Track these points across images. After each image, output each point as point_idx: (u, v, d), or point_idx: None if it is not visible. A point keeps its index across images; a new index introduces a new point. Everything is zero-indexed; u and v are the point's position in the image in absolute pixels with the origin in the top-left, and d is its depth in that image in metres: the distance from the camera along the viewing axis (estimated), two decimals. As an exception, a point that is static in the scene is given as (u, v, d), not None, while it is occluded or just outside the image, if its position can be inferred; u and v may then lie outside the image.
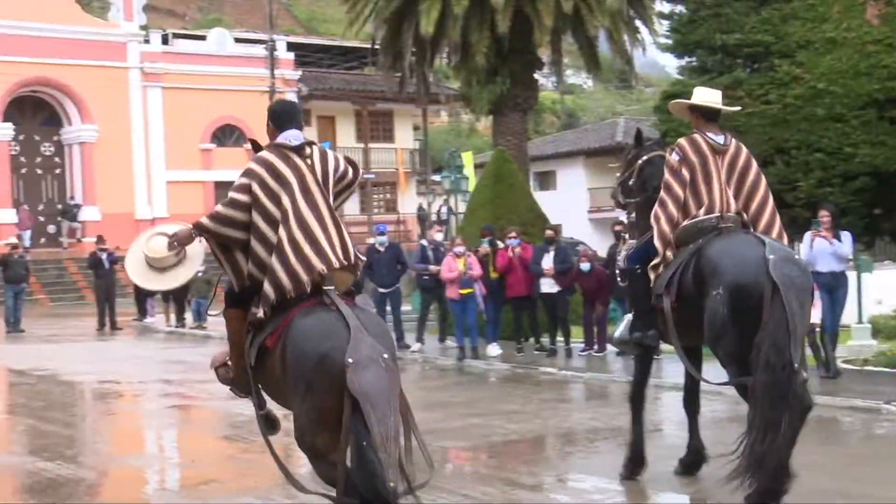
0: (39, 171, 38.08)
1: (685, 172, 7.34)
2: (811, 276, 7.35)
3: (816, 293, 13.08)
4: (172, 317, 23.87)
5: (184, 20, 62.98)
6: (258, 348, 5.53)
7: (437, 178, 40.61)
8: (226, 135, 39.94)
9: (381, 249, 18.06)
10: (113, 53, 37.65)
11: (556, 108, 65.75)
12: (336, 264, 5.45)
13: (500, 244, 17.27)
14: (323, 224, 5.53)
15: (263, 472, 9.01)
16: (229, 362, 6.05)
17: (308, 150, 5.74)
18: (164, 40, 39.78)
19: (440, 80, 38.46)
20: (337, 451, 5.18)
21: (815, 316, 13.11)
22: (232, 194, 5.67)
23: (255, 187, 5.56)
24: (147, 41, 39.02)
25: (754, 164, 7.49)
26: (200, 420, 12.40)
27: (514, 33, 24.15)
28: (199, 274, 23.13)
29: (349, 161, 6.04)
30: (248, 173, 5.66)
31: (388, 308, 18.14)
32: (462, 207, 26.81)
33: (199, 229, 5.77)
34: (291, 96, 39.81)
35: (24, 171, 37.44)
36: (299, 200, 5.49)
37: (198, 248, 6.19)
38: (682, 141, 7.48)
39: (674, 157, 7.44)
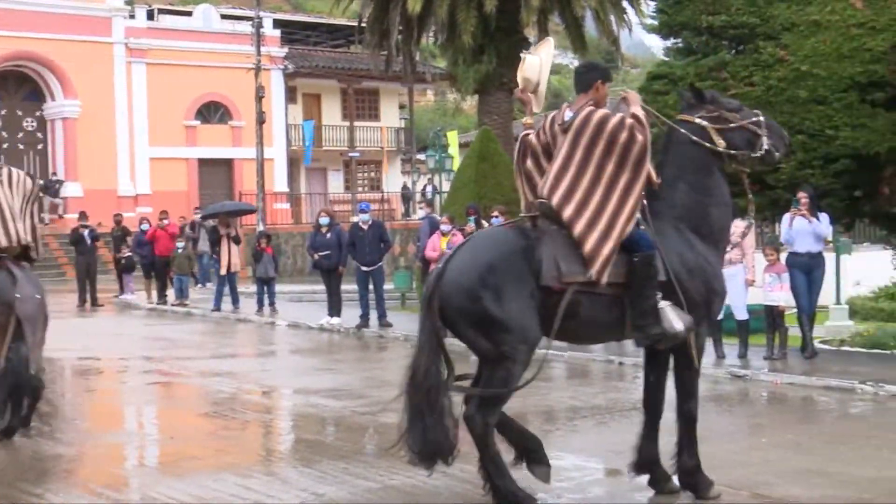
0: (21, 147, 37.84)
1: (530, 159, 6.95)
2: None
3: (786, 275, 13.29)
4: (154, 293, 23.82)
5: (169, -5, 62.52)
6: None
7: (421, 156, 40.64)
8: (210, 112, 39.79)
9: (365, 228, 18.10)
10: (97, 28, 37.40)
11: (550, 88, 65.70)
12: (5, 243, 8.71)
13: (486, 223, 17.32)
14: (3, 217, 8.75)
15: (243, 448, 9.07)
16: None
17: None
18: (150, 16, 39.54)
19: (426, 58, 38.36)
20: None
21: (782, 299, 13.28)
22: None
23: None
24: (132, 16, 38.77)
25: (602, 142, 6.51)
26: (180, 397, 12.41)
27: (501, 13, 24.12)
28: (179, 250, 23.19)
29: (30, 176, 9.35)
30: None
31: (371, 286, 18.20)
32: (446, 186, 26.80)
33: None
34: (277, 73, 39.70)
35: (5, 146, 37.18)
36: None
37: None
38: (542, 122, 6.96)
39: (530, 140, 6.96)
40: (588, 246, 6.44)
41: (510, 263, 6.47)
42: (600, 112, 6.62)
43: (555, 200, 6.56)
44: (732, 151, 6.91)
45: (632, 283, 6.53)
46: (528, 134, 7.00)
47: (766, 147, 6.85)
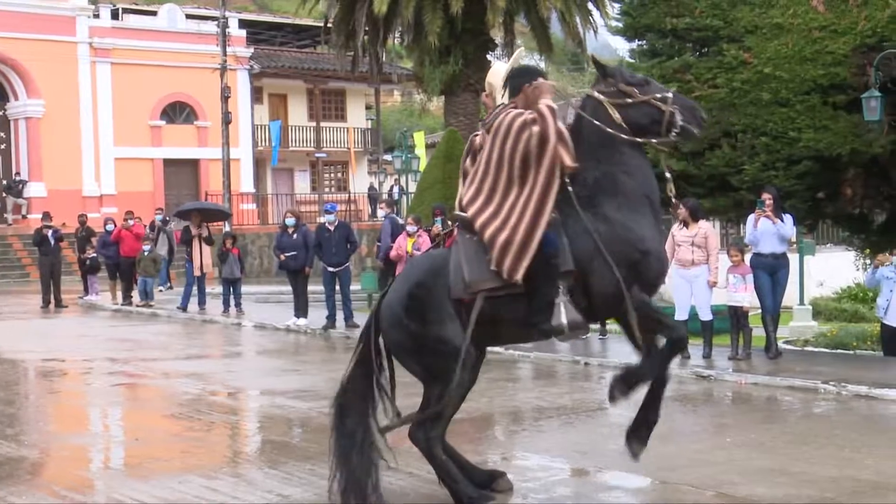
0: (-16, 147, 37.53)
1: (469, 159, 6.97)
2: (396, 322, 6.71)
3: (750, 276, 13.43)
4: (119, 294, 23.67)
5: (134, -5, 62.11)
6: None
7: (388, 157, 40.62)
8: (176, 112, 39.57)
9: (331, 229, 18.08)
10: (61, 27, 37.08)
11: (508, 89, 65.67)
12: None
13: (450, 224, 17.38)
14: None
15: (209, 450, 9.03)
16: None
17: None
18: (114, 15, 39.25)
19: (393, 59, 38.32)
20: None
21: (745, 299, 13.41)
22: None
23: None
24: (96, 16, 38.45)
25: (510, 141, 6.51)
26: (146, 398, 12.35)
27: (467, 14, 24.19)
28: (146, 253, 23.07)
29: None
30: None
31: (338, 287, 18.19)
32: (413, 187, 26.82)
33: None
34: (243, 74, 39.56)
35: (-32, 146, 36.87)
36: None
37: None
38: None
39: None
40: (495, 250, 6.45)
41: (430, 287, 6.63)
42: (512, 112, 6.61)
43: (471, 210, 6.61)
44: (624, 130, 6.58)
45: (531, 281, 6.49)
46: (476, 135, 7.02)
47: (680, 124, 6.51)
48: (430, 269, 6.77)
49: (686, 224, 13.44)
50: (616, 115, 6.57)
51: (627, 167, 6.61)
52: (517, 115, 6.56)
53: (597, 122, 6.60)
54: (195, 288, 21.96)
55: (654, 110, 6.54)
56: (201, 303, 21.93)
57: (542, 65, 63.10)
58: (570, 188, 6.55)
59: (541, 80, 6.83)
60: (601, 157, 6.61)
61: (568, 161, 6.52)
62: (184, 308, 21.67)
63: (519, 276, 6.40)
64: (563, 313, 6.42)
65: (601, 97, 6.65)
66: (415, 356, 6.73)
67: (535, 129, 6.46)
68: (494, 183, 6.59)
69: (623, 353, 14.09)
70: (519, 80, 6.85)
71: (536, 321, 6.53)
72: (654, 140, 6.64)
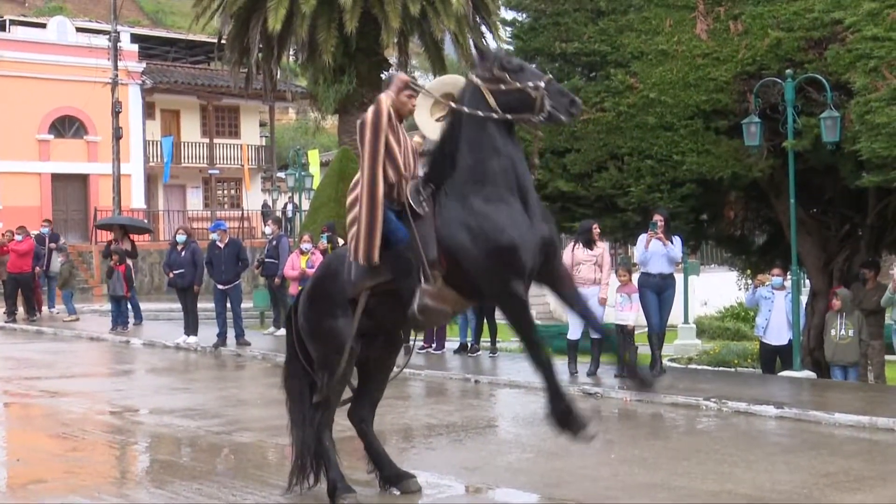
0: None
1: None
2: None
3: (636, 295, 13.76)
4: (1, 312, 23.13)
5: (24, 6, 60.73)
6: None
7: (282, 175, 40.38)
8: (65, 126, 38.72)
9: (221, 246, 17.95)
10: (-54, 38, 36.12)
11: (403, 108, 65.92)
12: None
13: (340, 241, 17.44)
14: None
15: (93, 470, 8.88)
16: None
17: None
18: (2, 27, 38.35)
19: (288, 77, 38.17)
20: None
21: (630, 318, 13.74)
22: None
23: None
24: (-17, 27, 37.57)
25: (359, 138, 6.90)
26: (29, 418, 12.06)
27: (362, 33, 24.32)
28: (63, 264, 22.72)
29: None
30: None
31: (229, 304, 18.05)
32: (307, 205, 26.74)
33: None
34: (135, 88, 38.96)
35: None
36: None
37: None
38: None
39: None
40: (351, 243, 6.89)
41: (330, 283, 7.23)
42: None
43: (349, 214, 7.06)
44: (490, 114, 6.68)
45: (396, 274, 6.79)
46: None
47: (548, 110, 6.59)
48: (331, 267, 7.36)
49: (589, 245, 13.76)
50: (490, 100, 6.69)
51: (498, 154, 6.71)
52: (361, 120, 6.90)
53: (467, 109, 6.73)
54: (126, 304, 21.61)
55: (526, 96, 6.65)
56: (137, 318, 21.98)
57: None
58: (423, 176, 6.89)
59: (396, 74, 7.19)
60: (475, 144, 6.74)
61: (369, 145, 6.68)
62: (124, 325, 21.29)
63: (375, 259, 6.71)
64: (417, 299, 6.66)
65: (478, 81, 6.77)
66: (311, 342, 7.38)
67: (365, 116, 6.77)
68: (355, 182, 6.98)
69: (513, 370, 14.33)
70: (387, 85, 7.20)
71: (405, 314, 6.77)
72: (522, 121, 6.76)
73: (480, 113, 6.69)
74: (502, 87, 6.68)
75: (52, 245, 24.20)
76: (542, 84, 6.62)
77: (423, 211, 6.74)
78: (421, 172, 7.02)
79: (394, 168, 6.79)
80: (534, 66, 17.44)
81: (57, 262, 24.20)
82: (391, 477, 7.57)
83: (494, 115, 6.67)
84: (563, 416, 6.70)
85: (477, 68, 6.91)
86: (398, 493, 7.52)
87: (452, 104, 6.85)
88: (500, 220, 6.58)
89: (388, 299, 6.88)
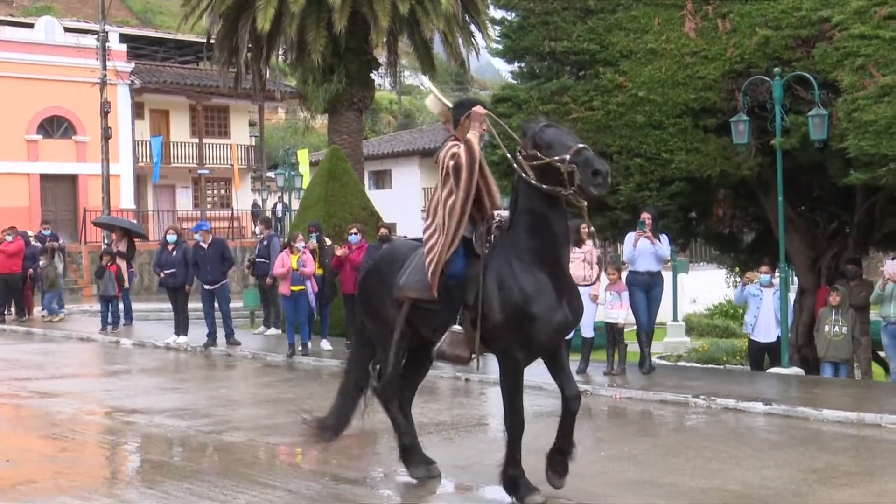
0: None
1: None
2: None
3: (625, 293, 13.81)
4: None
5: (11, 7, 60.55)
6: None
7: (272, 174, 40.34)
8: (54, 126, 38.59)
9: (205, 246, 17.93)
10: (-67, 38, 35.97)
11: (393, 108, 66.03)
12: None
13: (328, 241, 17.48)
14: None
15: (83, 471, 8.88)
16: None
17: None
18: (-11, 27, 38.22)
19: (277, 77, 38.13)
20: None
21: (620, 316, 13.79)
22: None
23: None
24: (-30, 27, 37.41)
25: (443, 171, 7.41)
26: (18, 418, 12.03)
27: (351, 33, 24.28)
28: (47, 266, 22.68)
29: None
30: None
31: (217, 305, 18.05)
32: (297, 205, 26.74)
33: None
34: (124, 88, 38.89)
35: None
36: None
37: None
38: None
39: None
40: (426, 269, 7.37)
41: (380, 274, 7.94)
42: (446, 145, 7.38)
43: (425, 234, 7.50)
44: (542, 186, 7.05)
45: (440, 301, 7.36)
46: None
47: (577, 183, 6.89)
48: (387, 259, 8.07)
49: (578, 243, 13.81)
50: (531, 174, 7.11)
51: (547, 227, 7.17)
52: (448, 149, 7.34)
53: (524, 174, 7.16)
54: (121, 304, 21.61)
55: (556, 170, 6.97)
56: (128, 318, 21.89)
57: (427, 84, 63.77)
58: (494, 224, 7.35)
59: (474, 109, 7.44)
60: (524, 212, 7.22)
61: (495, 196, 7.41)
62: (114, 325, 21.27)
63: (433, 294, 7.32)
64: (442, 342, 7.29)
65: (520, 157, 7.20)
66: (367, 320, 8.14)
67: (460, 157, 7.22)
68: (435, 210, 7.43)
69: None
70: (456, 113, 7.57)
71: (435, 339, 7.41)
72: (556, 193, 7.04)
73: (525, 175, 7.12)
74: (535, 162, 7.07)
75: (55, 245, 24.06)
76: (568, 158, 6.91)
77: (481, 252, 7.27)
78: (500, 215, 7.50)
79: (490, 201, 7.43)
80: (523, 65, 17.67)
81: (59, 264, 24.03)
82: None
83: (543, 187, 7.02)
84: (512, 481, 7.42)
85: (520, 143, 7.29)
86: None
87: (518, 170, 7.21)
88: (529, 289, 7.09)
89: (425, 315, 7.49)
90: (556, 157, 6.93)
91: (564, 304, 7.23)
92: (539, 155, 7.03)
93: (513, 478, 7.41)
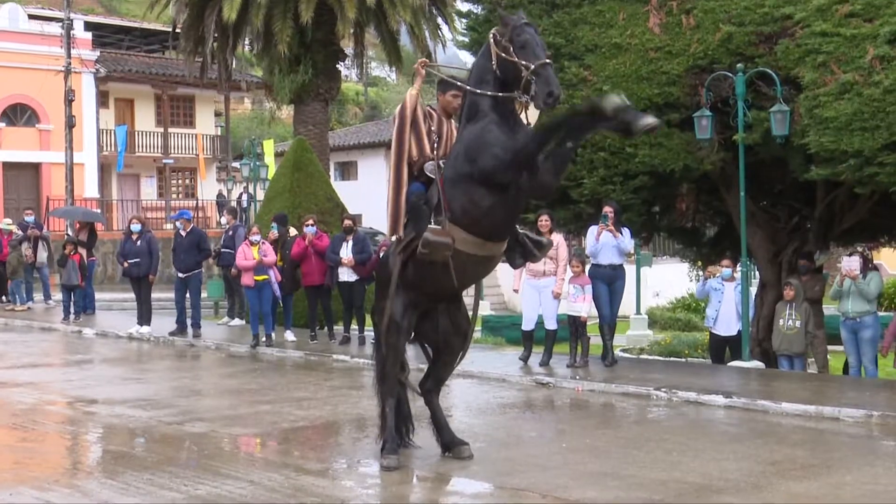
0: None
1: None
2: None
3: (589, 287, 13.89)
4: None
5: (-27, -8, 59.77)
6: None
7: (237, 164, 40.17)
8: (17, 114, 38.23)
9: (183, 234, 17.96)
10: None
11: (359, 99, 65.89)
12: None
13: (294, 231, 17.45)
14: None
15: (44, 461, 8.85)
16: None
17: None
18: (-49, 13, 37.74)
19: (244, 67, 37.95)
20: None
21: (583, 309, 13.87)
22: None
23: None
24: (-68, 13, 36.94)
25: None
26: (-21, 409, 11.97)
27: (318, 24, 24.24)
28: (11, 253, 22.52)
29: None
30: None
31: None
32: (262, 195, 26.67)
33: None
34: (88, 77, 38.57)
35: None
36: None
37: None
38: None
39: None
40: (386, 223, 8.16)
41: (384, 267, 8.54)
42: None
43: None
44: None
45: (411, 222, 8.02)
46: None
47: (531, 93, 7.38)
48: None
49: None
50: (494, 60, 7.63)
51: (489, 116, 7.70)
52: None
53: (469, 88, 7.82)
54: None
55: (518, 72, 7.45)
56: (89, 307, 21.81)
57: (393, 76, 63.64)
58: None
59: (415, 65, 8.39)
60: (473, 110, 7.82)
61: (396, 136, 7.98)
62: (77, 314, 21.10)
63: (399, 231, 8.00)
64: (427, 232, 7.72)
65: (492, 40, 7.70)
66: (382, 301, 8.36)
67: (399, 108, 8.04)
68: None
69: (466, 361, 14.38)
70: (439, 87, 8.29)
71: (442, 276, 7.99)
72: (510, 98, 7.61)
73: (478, 91, 7.71)
74: (503, 55, 7.54)
75: (37, 233, 23.76)
76: (533, 66, 7.34)
77: (436, 177, 7.85)
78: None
79: (418, 150, 7.94)
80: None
81: (43, 254, 23.66)
82: (448, 443, 8.58)
83: (488, 93, 7.64)
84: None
85: (500, 26, 7.75)
86: (453, 457, 8.49)
87: (460, 83, 7.94)
88: (500, 135, 7.60)
89: (424, 269, 7.92)
90: (523, 62, 7.38)
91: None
92: (510, 50, 7.48)
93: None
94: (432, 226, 7.74)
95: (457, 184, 7.75)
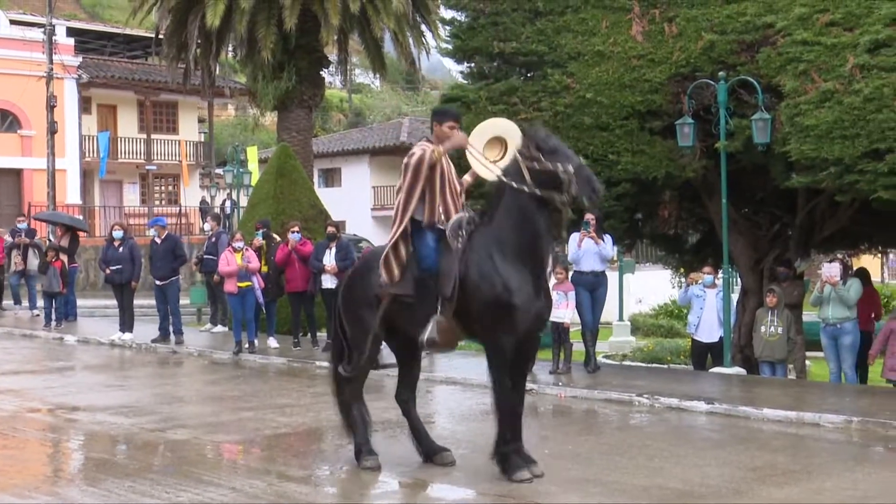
0: None
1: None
2: None
3: (572, 293, 13.92)
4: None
5: (-45, -2, 59.58)
6: None
7: (220, 171, 40.12)
8: (-1, 119, 38.15)
9: (158, 241, 17.89)
10: None
11: (343, 106, 65.89)
12: None
13: (277, 238, 17.43)
14: None
15: (24, 469, 8.81)
16: None
17: None
18: (-68, 18, 37.60)
19: (227, 73, 37.93)
20: None
21: (566, 316, 13.90)
22: None
23: None
24: (-87, 18, 36.79)
25: (402, 171, 8.05)
26: (-41, 416, 11.91)
27: (302, 30, 24.24)
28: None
29: None
30: None
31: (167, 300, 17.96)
32: (245, 202, 26.63)
33: None
34: (71, 83, 38.46)
35: None
36: None
37: None
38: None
39: None
40: (382, 263, 7.98)
41: (363, 277, 8.34)
42: (417, 144, 8.06)
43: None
44: (533, 190, 7.56)
45: (415, 294, 7.89)
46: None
47: (573, 194, 7.47)
48: (369, 262, 8.36)
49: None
50: (526, 175, 7.63)
51: (528, 224, 7.63)
52: (413, 151, 7.95)
53: (504, 179, 7.75)
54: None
55: (556, 177, 7.51)
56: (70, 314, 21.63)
57: (377, 83, 63.70)
58: (465, 220, 7.85)
59: (460, 138, 8.05)
60: (511, 210, 7.70)
61: (406, 187, 7.84)
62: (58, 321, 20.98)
63: (393, 281, 7.89)
64: (429, 330, 7.75)
65: (519, 156, 7.75)
66: (346, 323, 8.40)
67: (415, 156, 7.83)
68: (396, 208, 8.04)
69: (449, 367, 14.42)
70: (430, 121, 8.39)
71: (419, 330, 7.85)
72: (550, 198, 7.55)
73: (515, 185, 7.65)
74: (536, 165, 7.58)
75: (26, 241, 23.60)
76: (571, 169, 7.46)
77: (455, 246, 7.76)
78: (470, 212, 8.07)
79: (429, 213, 7.90)
80: (472, 65, 17.71)
81: (34, 261, 23.42)
82: (429, 451, 8.58)
83: (526, 189, 7.58)
84: (503, 458, 7.95)
85: (522, 143, 7.81)
86: (435, 463, 8.49)
87: (500, 176, 7.82)
88: (512, 282, 7.59)
89: (407, 311, 7.92)
90: (560, 166, 7.46)
91: (542, 296, 7.81)
92: (542, 158, 7.56)
93: (504, 454, 7.91)
94: (439, 317, 7.73)
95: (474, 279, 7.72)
